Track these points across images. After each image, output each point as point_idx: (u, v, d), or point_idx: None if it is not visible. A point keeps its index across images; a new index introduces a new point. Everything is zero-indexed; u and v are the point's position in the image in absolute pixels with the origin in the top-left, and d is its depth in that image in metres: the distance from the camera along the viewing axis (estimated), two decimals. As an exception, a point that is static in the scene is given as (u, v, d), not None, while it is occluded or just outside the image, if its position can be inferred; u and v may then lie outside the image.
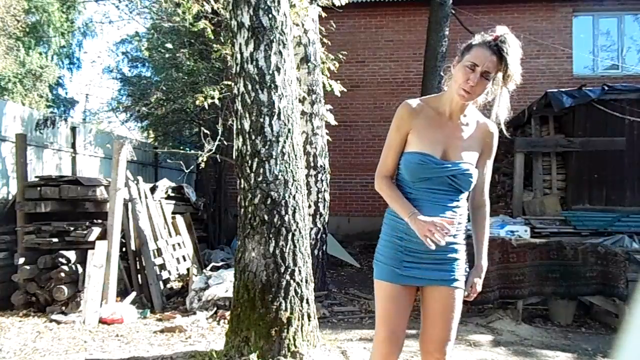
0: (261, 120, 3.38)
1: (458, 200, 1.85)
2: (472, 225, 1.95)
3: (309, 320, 3.44)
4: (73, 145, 7.33)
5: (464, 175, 1.81)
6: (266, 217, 3.36)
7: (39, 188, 5.27)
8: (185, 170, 6.56)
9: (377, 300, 1.92)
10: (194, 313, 4.78)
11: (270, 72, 3.39)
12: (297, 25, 5.30)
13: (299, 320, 3.36)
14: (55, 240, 5.09)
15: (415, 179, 1.83)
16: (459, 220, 1.86)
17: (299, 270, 3.42)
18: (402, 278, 1.84)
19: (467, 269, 1.94)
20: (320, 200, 5.68)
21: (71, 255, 5.01)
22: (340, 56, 6.52)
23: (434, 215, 1.77)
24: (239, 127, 3.47)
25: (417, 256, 1.83)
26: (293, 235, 3.42)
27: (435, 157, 1.80)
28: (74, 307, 4.83)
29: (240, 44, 3.43)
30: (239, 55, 3.44)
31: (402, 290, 1.85)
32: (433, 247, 1.70)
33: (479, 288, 1.94)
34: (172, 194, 6.93)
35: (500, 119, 1.85)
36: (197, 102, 5.71)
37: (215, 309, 4.84)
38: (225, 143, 6.17)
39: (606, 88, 5.99)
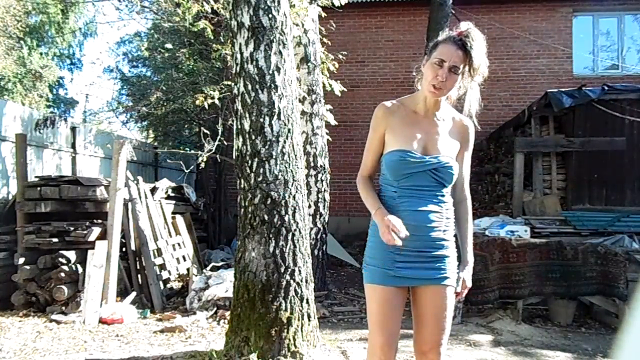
0: (261, 120, 3.38)
1: (443, 195, 1.86)
2: (455, 220, 1.95)
3: (309, 320, 3.44)
4: (73, 145, 7.34)
5: (445, 168, 1.83)
6: (266, 217, 3.36)
7: (39, 188, 5.27)
8: (185, 170, 6.56)
9: (370, 305, 1.88)
10: (194, 313, 4.78)
11: (270, 72, 3.39)
12: (297, 25, 5.30)
13: (299, 320, 3.36)
14: (55, 240, 5.09)
15: (399, 176, 1.84)
16: (447, 215, 1.87)
17: (299, 270, 3.42)
18: (395, 279, 1.83)
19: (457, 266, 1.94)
20: (320, 200, 5.68)
21: (71, 255, 5.01)
22: (340, 56, 6.52)
23: (422, 210, 1.81)
24: (239, 127, 3.47)
25: (408, 255, 1.82)
26: (293, 235, 3.42)
27: (415, 153, 1.83)
28: (74, 307, 4.83)
29: (240, 44, 3.43)
30: (239, 55, 3.44)
31: (396, 292, 1.84)
32: (395, 242, 1.73)
33: (469, 284, 1.94)
34: (172, 194, 6.93)
35: (472, 112, 1.91)
36: (197, 102, 5.71)
37: (215, 309, 4.84)
38: (225, 143, 6.17)
39: (606, 88, 5.98)
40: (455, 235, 1.93)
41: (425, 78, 1.84)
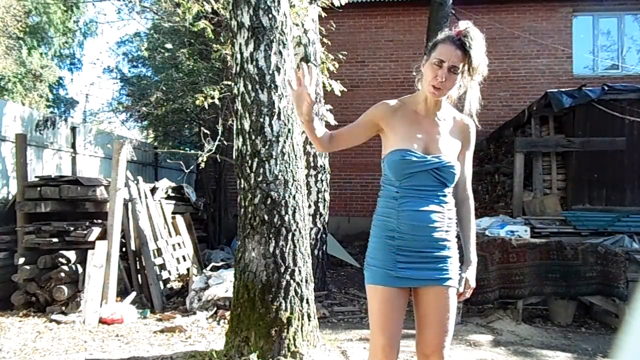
0: (261, 120, 3.38)
1: (445, 195, 1.85)
2: (457, 221, 1.94)
3: (309, 320, 3.44)
4: (73, 145, 7.34)
5: (447, 167, 1.82)
6: (266, 217, 3.36)
7: (39, 188, 5.27)
8: (185, 170, 6.56)
9: (371, 305, 1.86)
10: (194, 313, 4.78)
11: (270, 72, 3.39)
12: (297, 25, 5.30)
13: (299, 320, 3.36)
14: (55, 240, 5.09)
15: (400, 176, 1.83)
16: (449, 215, 1.86)
17: (299, 270, 3.42)
18: (397, 280, 1.81)
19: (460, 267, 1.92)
20: (320, 200, 5.68)
21: (71, 255, 5.01)
22: (340, 56, 6.52)
23: (423, 210, 1.80)
24: (239, 127, 3.47)
25: (410, 255, 1.81)
26: (293, 235, 3.42)
27: (417, 152, 1.82)
28: (74, 307, 4.83)
29: (240, 44, 3.43)
30: (239, 55, 3.44)
31: (398, 292, 1.82)
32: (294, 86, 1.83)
33: (472, 284, 1.93)
34: (172, 194, 6.93)
35: (472, 111, 1.91)
36: (197, 102, 5.71)
37: (215, 309, 4.84)
38: (225, 143, 6.17)
39: (606, 88, 5.97)
40: (457, 236, 1.92)
41: (425, 78, 1.84)
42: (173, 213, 6.67)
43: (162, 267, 5.61)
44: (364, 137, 1.99)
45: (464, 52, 1.75)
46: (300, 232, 3.46)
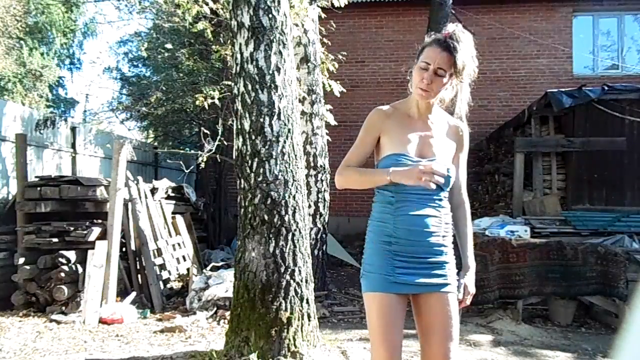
0: (261, 120, 3.38)
1: (441, 200, 1.83)
2: (454, 225, 1.91)
3: (309, 320, 3.44)
4: (73, 145, 7.34)
5: None
6: (266, 217, 3.36)
7: (39, 188, 5.27)
8: (185, 170, 6.56)
9: (370, 315, 1.79)
10: (194, 313, 4.78)
11: (270, 72, 3.39)
12: (297, 25, 5.30)
13: (299, 320, 3.36)
14: (55, 240, 5.09)
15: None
16: (446, 220, 1.84)
17: (299, 270, 3.42)
18: (396, 286, 1.77)
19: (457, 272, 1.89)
20: (320, 200, 5.68)
21: (71, 255, 5.01)
22: (340, 56, 6.52)
23: (420, 214, 1.78)
24: (239, 127, 3.47)
25: (408, 261, 1.78)
26: (293, 235, 3.42)
27: (411, 156, 1.81)
28: (74, 307, 4.83)
29: (240, 44, 3.43)
30: (239, 55, 3.44)
31: (397, 300, 1.77)
32: (433, 186, 1.68)
33: (472, 289, 1.89)
34: (172, 194, 6.93)
35: (461, 113, 1.90)
36: (197, 102, 5.72)
37: (215, 309, 4.84)
38: (225, 143, 6.17)
39: (606, 88, 5.97)
40: (454, 241, 1.90)
41: (414, 82, 1.84)
42: (173, 213, 6.67)
43: (162, 267, 5.61)
44: (372, 150, 1.97)
45: (450, 54, 1.75)
46: (300, 232, 3.46)
